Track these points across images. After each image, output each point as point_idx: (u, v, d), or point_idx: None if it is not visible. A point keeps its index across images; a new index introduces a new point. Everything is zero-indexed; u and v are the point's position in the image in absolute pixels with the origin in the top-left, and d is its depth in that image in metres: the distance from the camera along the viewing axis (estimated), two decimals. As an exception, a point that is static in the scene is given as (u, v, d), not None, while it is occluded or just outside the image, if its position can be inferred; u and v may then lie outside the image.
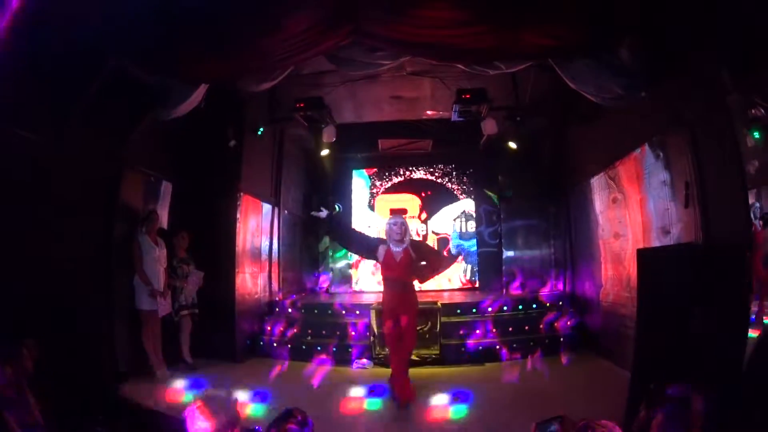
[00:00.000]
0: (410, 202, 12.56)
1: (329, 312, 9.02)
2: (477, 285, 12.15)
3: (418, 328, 6.80)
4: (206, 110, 6.57)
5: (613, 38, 5.02)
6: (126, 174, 6.86)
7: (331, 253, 12.66)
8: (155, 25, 4.80)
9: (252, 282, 8.96)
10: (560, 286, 10.06)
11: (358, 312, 8.62)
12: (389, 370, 6.30)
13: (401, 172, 12.79)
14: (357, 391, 6.26)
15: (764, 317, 4.47)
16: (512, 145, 9.95)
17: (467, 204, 12.48)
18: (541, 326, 8.39)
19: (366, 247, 6.62)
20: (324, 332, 8.49)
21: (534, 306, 8.91)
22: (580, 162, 8.93)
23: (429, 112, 10.22)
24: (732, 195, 4.57)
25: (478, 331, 8.14)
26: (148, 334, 6.80)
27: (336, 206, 12.34)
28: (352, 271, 12.54)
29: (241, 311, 8.30)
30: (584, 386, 6.33)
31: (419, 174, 12.76)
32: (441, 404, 5.78)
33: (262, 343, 8.58)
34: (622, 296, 7.10)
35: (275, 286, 10.01)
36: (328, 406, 5.83)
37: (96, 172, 6.18)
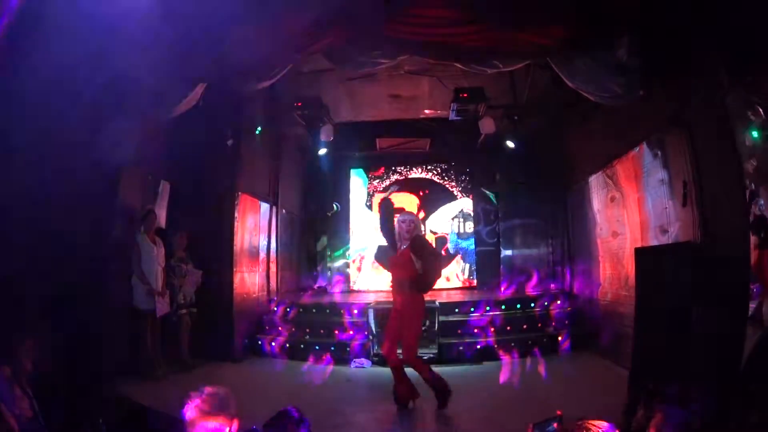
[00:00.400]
0: (408, 201, 12.55)
1: (327, 311, 9.02)
2: (475, 284, 12.15)
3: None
4: (204, 109, 6.55)
5: (611, 37, 5.03)
6: (124, 173, 6.84)
7: (329, 253, 12.67)
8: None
9: (250, 281, 8.96)
10: (558, 285, 10.08)
11: (356, 311, 8.61)
12: (388, 370, 6.29)
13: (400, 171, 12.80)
14: (354, 391, 6.27)
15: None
16: (510, 143, 9.98)
17: (465, 203, 12.48)
18: (539, 325, 8.41)
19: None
20: (322, 331, 8.50)
21: (532, 305, 8.92)
22: (578, 161, 8.95)
23: (427, 111, 10.23)
24: (730, 194, 4.58)
25: (476, 330, 8.15)
26: (147, 333, 6.79)
27: (334, 205, 12.36)
28: (350, 271, 12.54)
29: (239, 310, 8.29)
30: (582, 385, 6.33)
31: (417, 173, 12.75)
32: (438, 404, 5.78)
33: (260, 342, 8.57)
34: (620, 295, 7.11)
35: (273, 285, 9.99)
36: (325, 405, 5.83)
37: (94, 171, 6.16)
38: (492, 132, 9.15)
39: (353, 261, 12.50)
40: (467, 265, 12.29)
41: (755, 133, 4.36)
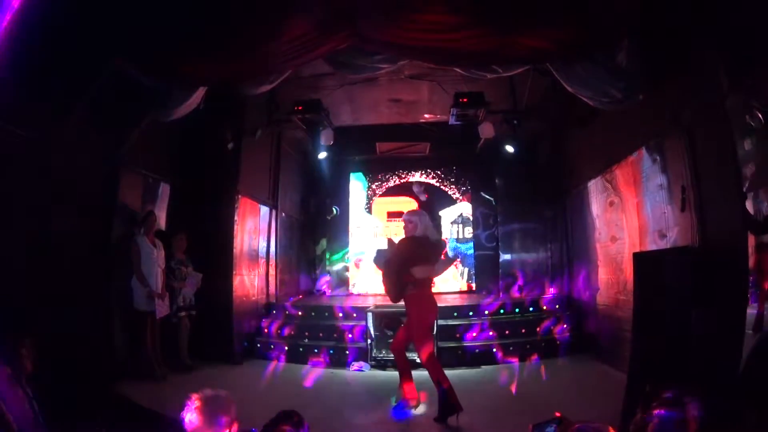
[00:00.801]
0: (407, 206, 12.55)
1: (326, 314, 9.02)
2: (474, 288, 12.14)
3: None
4: (205, 112, 6.57)
5: (610, 42, 5.05)
6: (125, 175, 6.87)
7: (328, 256, 12.68)
8: (156, 26, 4.82)
9: (249, 284, 8.97)
10: (557, 289, 10.08)
11: (355, 315, 8.63)
12: (387, 373, 6.29)
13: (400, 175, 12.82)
14: (353, 394, 6.27)
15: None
16: (509, 148, 9.99)
17: (464, 207, 12.49)
18: (538, 329, 8.42)
19: None
20: (321, 335, 8.50)
21: (531, 309, 8.93)
22: (577, 165, 8.96)
23: (427, 116, 10.24)
24: (728, 199, 4.59)
25: (474, 334, 8.16)
26: (146, 334, 6.81)
27: (333, 209, 12.37)
28: (349, 274, 12.54)
29: (238, 313, 8.31)
30: (581, 389, 6.35)
31: (417, 177, 12.76)
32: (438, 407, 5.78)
33: (259, 344, 8.58)
34: (619, 299, 7.12)
35: (272, 288, 10.01)
36: (324, 408, 5.84)
37: (95, 173, 6.19)
38: (491, 137, 9.16)
39: (353, 264, 12.49)
40: (466, 269, 12.30)
41: (754, 138, 4.37)
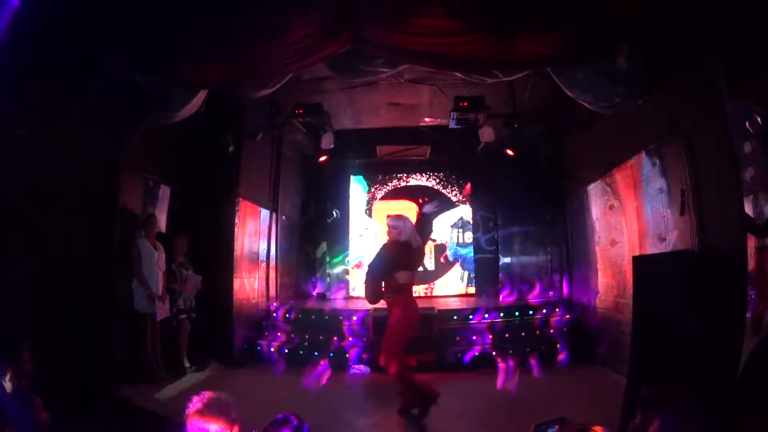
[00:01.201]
0: (407, 209, 12.56)
1: (326, 317, 9.01)
2: (474, 291, 12.12)
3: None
4: (206, 115, 6.59)
5: (609, 46, 5.06)
6: (125, 177, 6.87)
7: (328, 259, 12.65)
8: (157, 28, 4.85)
9: (250, 287, 8.97)
10: (556, 293, 10.08)
11: (355, 318, 8.62)
12: (387, 376, 6.29)
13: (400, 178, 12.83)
14: (353, 397, 6.27)
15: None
16: (509, 152, 10.01)
17: (464, 211, 12.48)
18: (538, 332, 8.42)
19: None
20: (321, 338, 8.49)
21: (530, 312, 8.91)
22: (577, 169, 8.98)
23: (427, 119, 10.25)
24: (728, 202, 4.61)
25: (474, 337, 8.16)
26: (147, 337, 6.80)
27: (334, 212, 12.37)
28: (349, 277, 12.53)
29: (238, 316, 8.31)
30: (580, 392, 6.35)
31: (417, 180, 12.78)
32: (438, 410, 5.78)
33: (259, 347, 8.58)
34: (618, 303, 7.13)
35: (273, 291, 10.01)
36: (324, 411, 5.84)
37: (95, 175, 6.20)
38: (492, 140, 9.17)
39: (353, 267, 12.48)
40: (466, 273, 12.28)
41: (753, 141, 4.38)
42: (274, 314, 9.40)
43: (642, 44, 5.03)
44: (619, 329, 6.96)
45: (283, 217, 10.67)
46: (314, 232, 12.62)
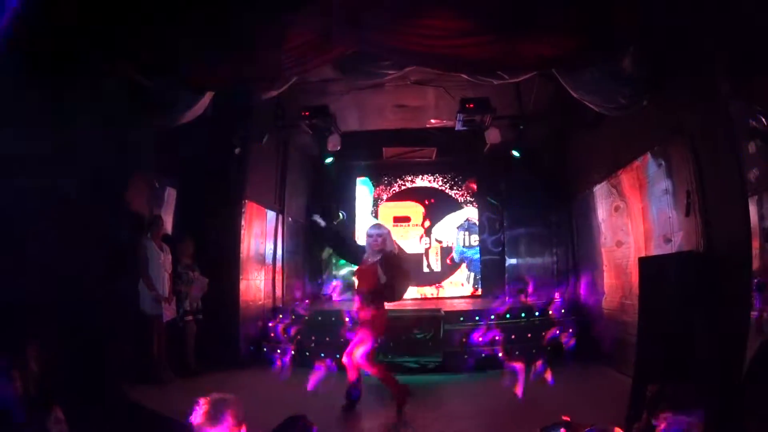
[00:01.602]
0: (413, 210, 12.58)
1: (333, 319, 9.00)
2: (480, 292, 12.12)
3: (420, 335, 6.80)
4: (212, 117, 6.61)
5: (615, 48, 5.06)
6: (131, 179, 6.90)
7: (334, 261, 12.65)
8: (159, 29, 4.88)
9: (256, 288, 9.01)
10: (563, 294, 10.06)
11: (361, 319, 8.61)
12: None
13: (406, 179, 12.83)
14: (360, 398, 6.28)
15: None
16: (515, 153, 10.01)
17: (470, 212, 12.48)
18: (544, 333, 8.39)
19: (353, 254, 6.75)
20: (327, 339, 8.49)
21: (536, 314, 8.88)
22: (582, 170, 8.97)
23: (433, 121, 10.27)
24: (733, 203, 4.60)
25: (480, 339, 8.15)
26: (153, 338, 6.84)
27: (340, 214, 12.37)
28: (355, 279, 12.50)
29: (245, 317, 8.35)
30: (586, 393, 6.35)
31: (423, 182, 12.78)
32: (444, 411, 5.79)
33: (265, 349, 8.58)
34: (624, 304, 7.12)
35: (279, 292, 10.03)
36: (330, 412, 5.85)
37: (101, 177, 6.22)
38: (498, 142, 9.17)
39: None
40: (472, 274, 12.29)
41: (758, 142, 4.37)
42: (281, 316, 9.41)
43: (647, 45, 5.02)
44: (624, 330, 6.95)
45: (290, 218, 10.70)
46: (320, 233, 12.64)
